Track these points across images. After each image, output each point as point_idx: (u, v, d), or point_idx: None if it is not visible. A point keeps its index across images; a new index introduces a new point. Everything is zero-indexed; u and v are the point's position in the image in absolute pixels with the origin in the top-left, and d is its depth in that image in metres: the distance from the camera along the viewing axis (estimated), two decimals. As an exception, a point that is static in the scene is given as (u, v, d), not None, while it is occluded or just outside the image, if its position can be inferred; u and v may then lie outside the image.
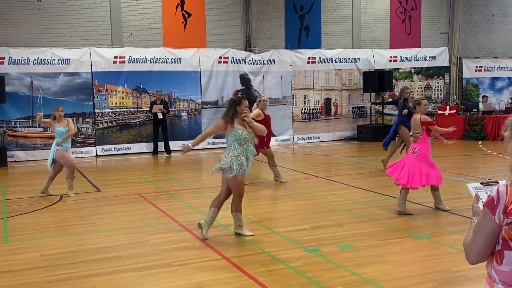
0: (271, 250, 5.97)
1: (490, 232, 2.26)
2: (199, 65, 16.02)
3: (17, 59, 14.17)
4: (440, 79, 19.41)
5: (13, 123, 14.20)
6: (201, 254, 5.94)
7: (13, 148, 14.18)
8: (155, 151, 15.14)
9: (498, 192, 2.25)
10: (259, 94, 16.22)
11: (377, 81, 17.16)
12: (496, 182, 2.42)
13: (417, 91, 19.15)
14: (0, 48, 14.02)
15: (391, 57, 18.67)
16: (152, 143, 15.27)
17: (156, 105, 14.86)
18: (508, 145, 2.30)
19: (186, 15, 16.26)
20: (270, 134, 10.56)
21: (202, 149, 15.82)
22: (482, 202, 2.35)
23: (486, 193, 2.38)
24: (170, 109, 15.40)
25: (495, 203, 2.24)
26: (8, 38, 14.33)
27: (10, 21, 14.41)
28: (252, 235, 6.52)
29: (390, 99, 16.84)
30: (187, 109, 16.04)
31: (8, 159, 13.65)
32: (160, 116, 14.88)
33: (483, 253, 2.30)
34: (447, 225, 6.94)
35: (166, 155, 14.98)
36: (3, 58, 14.01)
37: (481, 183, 2.48)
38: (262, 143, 9.67)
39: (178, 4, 16.16)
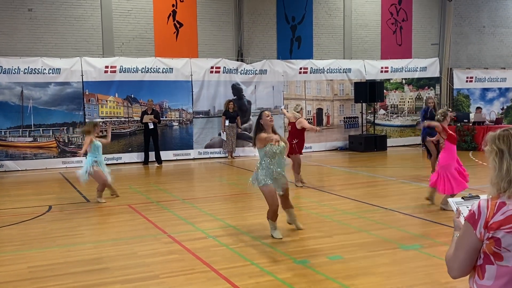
0: (259, 261, 5.94)
1: (472, 247, 2.26)
2: (191, 74, 16.02)
3: (8, 69, 14.11)
4: (431, 89, 19.51)
5: (3, 133, 14.12)
6: (189, 266, 5.90)
7: (3, 158, 14.08)
8: (146, 161, 15.09)
9: (479, 206, 2.25)
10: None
11: (368, 91, 17.23)
12: (477, 197, 2.42)
13: (408, 102, 19.25)
14: (-9, 57, 13.97)
15: (382, 67, 18.77)
16: (143, 153, 15.22)
17: (147, 115, 14.82)
18: (489, 159, 2.31)
19: (178, 25, 16.28)
20: (298, 140, 10.99)
21: (194, 159, 15.80)
22: (463, 216, 2.35)
23: (467, 207, 2.38)
24: (161, 118, 15.37)
25: (476, 217, 2.24)
26: (-1, 47, 14.28)
27: (1, 30, 14.37)
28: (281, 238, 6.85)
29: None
30: (178, 118, 16.02)
31: (-2, 169, 13.55)
32: (151, 126, 14.85)
33: (464, 267, 2.29)
34: (437, 236, 6.94)
35: (157, 165, 14.93)
36: (-6, 67, 13.96)
37: (462, 198, 2.48)
38: (292, 149, 10.24)
39: (170, 14, 16.18)
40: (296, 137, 10.95)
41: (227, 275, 5.52)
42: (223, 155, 16.20)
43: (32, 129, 14.33)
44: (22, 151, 14.33)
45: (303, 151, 11.24)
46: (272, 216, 6.98)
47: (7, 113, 14.11)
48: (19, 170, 14.07)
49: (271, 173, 6.80)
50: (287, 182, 7.07)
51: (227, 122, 15.79)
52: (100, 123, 9.98)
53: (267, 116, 6.91)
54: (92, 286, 5.30)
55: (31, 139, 14.28)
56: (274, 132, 6.98)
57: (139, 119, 15.19)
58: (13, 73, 14.16)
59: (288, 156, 10.31)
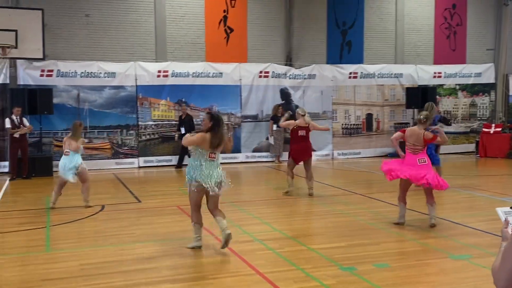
0: (305, 267, 5.96)
1: (520, 258, 2.22)
2: (240, 79, 16.20)
3: (65, 72, 14.66)
4: (486, 96, 18.98)
5: (59, 134, 14.65)
6: (236, 268, 5.98)
7: (59, 158, 14.54)
8: (179, 165, 15.20)
9: (528, 217, 2.21)
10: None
11: (420, 97, 16.91)
12: None
13: (462, 108, 18.79)
14: (50, 61, 14.54)
15: (435, 73, 18.40)
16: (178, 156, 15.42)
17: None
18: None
19: (229, 30, 16.49)
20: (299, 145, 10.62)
21: (241, 162, 15.92)
22: None
23: (516, 217, 2.34)
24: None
25: (525, 227, 2.20)
26: (57, 52, 14.84)
27: (60, 35, 14.94)
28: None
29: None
30: (227, 122, 16.19)
31: (54, 169, 14.05)
32: (183, 130, 14.94)
33: (512, 279, 2.25)
34: (487, 246, 6.76)
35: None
36: (52, 70, 14.53)
37: (511, 207, 2.44)
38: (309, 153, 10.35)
39: (221, 19, 16.41)
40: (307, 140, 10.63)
41: (272, 279, 5.56)
42: (270, 159, 16.27)
43: (88, 131, 14.81)
44: (78, 152, 14.79)
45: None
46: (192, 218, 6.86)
47: (64, 115, 14.64)
48: (74, 170, 14.53)
49: (218, 174, 6.69)
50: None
51: (274, 127, 15.85)
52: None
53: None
54: (141, 285, 5.45)
55: (86, 140, 14.74)
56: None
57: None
58: (70, 77, 14.71)
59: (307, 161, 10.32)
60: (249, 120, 16.42)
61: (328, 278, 5.58)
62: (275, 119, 15.93)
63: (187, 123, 15.06)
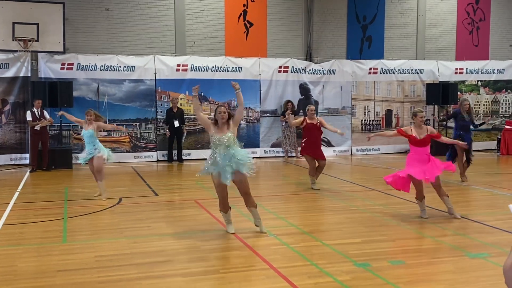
0: (319, 262, 5.91)
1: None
2: (259, 74, 16.16)
3: (85, 65, 14.79)
4: (509, 92, 18.66)
5: (79, 127, 14.77)
6: (249, 263, 5.96)
7: (78, 151, 14.71)
8: (169, 159, 15.22)
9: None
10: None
11: (441, 93, 16.70)
12: None
13: (484, 105, 18.50)
14: (70, 54, 14.68)
15: (456, 69, 18.13)
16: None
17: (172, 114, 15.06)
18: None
19: (248, 25, 16.46)
20: (312, 142, 10.63)
21: (260, 157, 15.89)
22: None
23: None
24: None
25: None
26: (78, 45, 14.98)
27: (80, 28, 15.07)
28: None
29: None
30: (246, 117, 16.19)
31: (73, 161, 14.22)
32: (176, 124, 14.96)
33: (523, 278, 2.20)
34: (506, 245, 6.63)
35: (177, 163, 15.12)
36: (72, 64, 14.67)
37: None
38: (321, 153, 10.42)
39: (241, 14, 16.38)
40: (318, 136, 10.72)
41: (286, 274, 5.53)
42: (289, 155, 16.23)
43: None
44: (97, 145, 14.92)
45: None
46: (221, 208, 7.13)
47: (84, 108, 14.59)
48: (93, 163, 14.68)
49: (216, 163, 6.80)
50: (241, 176, 6.90)
51: (283, 122, 15.81)
52: (90, 113, 9.91)
53: (219, 113, 6.88)
54: (154, 278, 5.47)
55: (105, 133, 14.88)
56: (228, 127, 6.88)
57: (208, 117, 15.42)
58: (90, 70, 14.83)
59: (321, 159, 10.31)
60: (268, 115, 16.38)
61: (342, 274, 5.53)
62: (285, 115, 15.91)
63: (179, 116, 15.08)
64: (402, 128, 8.45)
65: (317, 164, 10.63)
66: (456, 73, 18.11)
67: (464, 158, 11.28)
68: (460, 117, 11.54)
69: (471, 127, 11.72)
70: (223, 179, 6.84)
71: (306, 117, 10.83)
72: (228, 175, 6.81)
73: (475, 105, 18.40)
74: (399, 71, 17.57)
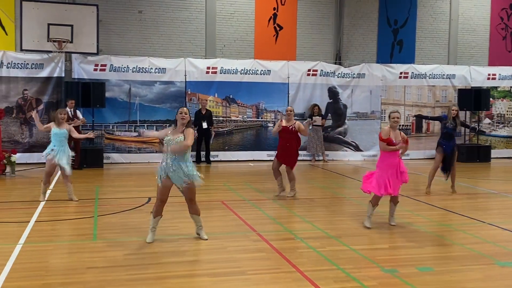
0: (346, 267, 5.90)
1: None
2: (288, 77, 16.18)
3: (118, 67, 15.04)
4: (543, 99, 18.27)
5: (110, 127, 15.05)
6: (276, 265, 5.98)
7: (110, 150, 15.02)
8: (197, 160, 15.26)
9: None
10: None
11: (473, 99, 16.45)
12: None
13: (517, 111, 18.16)
14: (103, 56, 14.95)
15: (489, 74, 17.84)
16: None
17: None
18: None
19: (278, 28, 16.50)
20: (281, 146, 10.25)
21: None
22: None
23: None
24: (256, 119, 15.68)
25: None
26: (111, 47, 15.25)
27: (113, 31, 15.33)
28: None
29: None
30: (274, 120, 16.21)
31: (104, 161, 14.47)
32: (204, 125, 15.03)
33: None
34: (538, 255, 6.52)
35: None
36: (105, 65, 14.93)
37: None
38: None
39: (271, 17, 16.44)
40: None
41: (312, 277, 5.54)
42: (316, 158, 16.19)
43: (138, 124, 15.16)
44: (128, 145, 15.21)
45: None
46: (154, 211, 6.89)
47: (115, 109, 15.03)
48: (123, 163, 14.95)
49: (164, 166, 6.69)
50: (187, 181, 6.69)
51: (310, 126, 15.76)
52: (64, 112, 9.53)
53: (180, 113, 6.80)
54: (181, 277, 5.54)
55: (136, 134, 15.10)
56: (183, 130, 6.79)
57: (236, 119, 15.58)
58: (122, 71, 15.08)
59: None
60: (296, 118, 16.25)
61: (369, 279, 5.51)
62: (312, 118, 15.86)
63: (208, 118, 15.16)
64: (380, 133, 7.84)
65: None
66: (488, 78, 17.82)
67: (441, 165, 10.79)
68: (444, 123, 11.08)
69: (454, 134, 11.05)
70: (175, 181, 6.70)
71: (282, 119, 10.39)
72: (182, 175, 6.67)
73: (507, 111, 18.08)
74: (430, 76, 17.37)
